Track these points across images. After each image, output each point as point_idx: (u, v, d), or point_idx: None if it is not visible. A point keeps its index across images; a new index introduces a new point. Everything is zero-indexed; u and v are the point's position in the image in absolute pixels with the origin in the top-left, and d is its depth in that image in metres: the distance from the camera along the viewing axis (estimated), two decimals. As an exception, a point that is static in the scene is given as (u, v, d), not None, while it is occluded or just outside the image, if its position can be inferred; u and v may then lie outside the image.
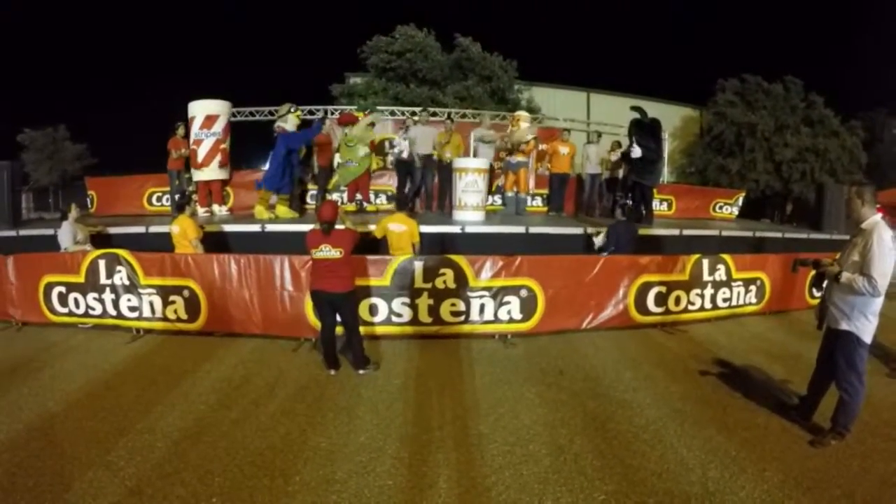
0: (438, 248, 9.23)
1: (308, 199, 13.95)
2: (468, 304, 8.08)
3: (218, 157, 12.77)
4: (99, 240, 9.90)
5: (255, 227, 10.25)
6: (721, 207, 18.07)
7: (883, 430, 5.59)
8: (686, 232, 12.38)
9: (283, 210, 11.49)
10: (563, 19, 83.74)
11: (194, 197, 10.83)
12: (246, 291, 7.94)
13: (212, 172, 12.80)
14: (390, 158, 14.49)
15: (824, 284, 5.44)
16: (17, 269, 8.58)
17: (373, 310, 7.94)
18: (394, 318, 8.00)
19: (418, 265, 7.93)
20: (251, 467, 4.53)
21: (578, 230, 11.17)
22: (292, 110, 11.51)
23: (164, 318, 8.10)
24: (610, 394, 6.30)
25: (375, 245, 9.02)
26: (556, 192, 14.35)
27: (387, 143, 15.13)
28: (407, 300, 7.95)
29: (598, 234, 10.30)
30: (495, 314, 8.18)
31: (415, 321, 8.02)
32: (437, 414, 5.65)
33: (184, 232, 8.54)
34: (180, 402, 5.81)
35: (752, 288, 9.99)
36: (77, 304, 8.33)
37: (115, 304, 8.16)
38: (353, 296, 6.88)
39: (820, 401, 5.59)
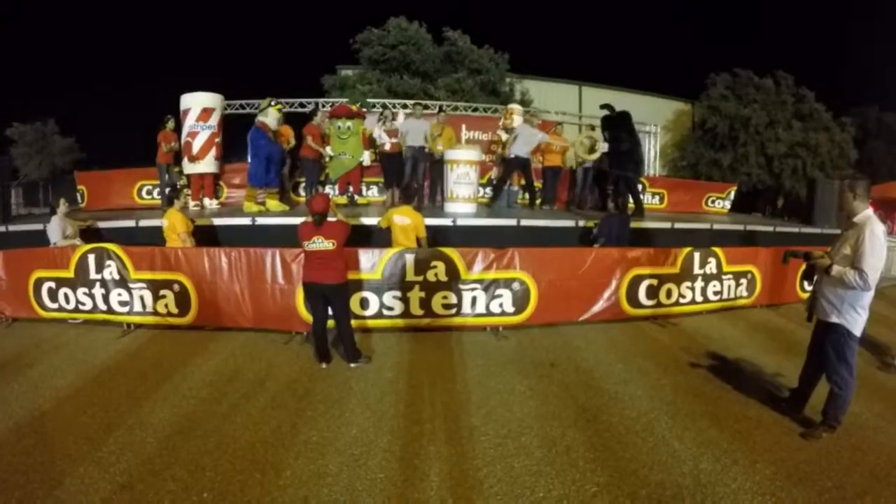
0: (430, 240, 9.20)
1: (300, 192, 13.93)
2: (460, 297, 8.07)
3: (213, 151, 12.74)
4: (89, 234, 9.83)
5: (246, 221, 10.20)
6: (713, 202, 18.09)
7: (874, 422, 5.63)
8: (678, 225, 12.43)
9: (273, 203, 11.42)
10: (555, 12, 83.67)
11: (186, 190, 10.77)
12: (237, 285, 7.90)
13: (206, 165, 12.76)
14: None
15: (815, 277, 5.46)
16: (6, 265, 8.53)
17: (364, 303, 7.92)
18: (385, 312, 7.98)
19: (409, 258, 7.91)
20: (242, 461, 4.51)
21: (570, 223, 11.20)
22: (273, 104, 11.40)
23: (155, 313, 8.06)
24: (601, 386, 6.31)
25: (368, 237, 9.01)
26: (549, 185, 14.33)
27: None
28: (398, 293, 7.93)
29: (595, 226, 10.33)
30: (487, 307, 8.18)
31: (406, 314, 8.00)
32: (429, 407, 5.64)
33: (173, 225, 8.51)
34: (171, 397, 5.79)
35: (743, 281, 10.03)
36: (67, 300, 8.28)
37: (106, 298, 8.11)
38: (344, 288, 6.85)
39: (811, 393, 5.62)
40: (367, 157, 13.24)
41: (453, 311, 8.10)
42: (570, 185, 14.77)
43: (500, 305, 8.22)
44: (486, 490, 4.18)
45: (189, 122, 12.50)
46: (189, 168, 12.73)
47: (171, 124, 12.86)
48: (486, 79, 27.53)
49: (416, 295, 7.95)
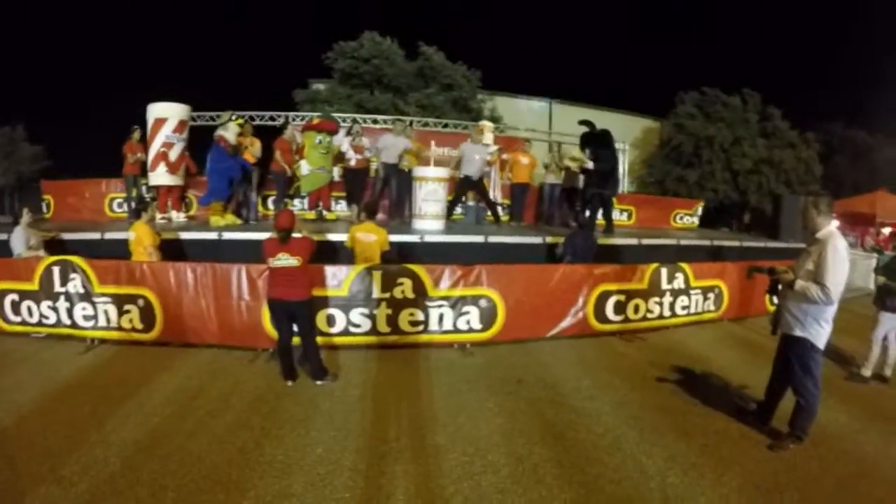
0: (397, 256, 9.18)
1: (269, 205, 13.86)
2: (427, 314, 8.07)
3: (184, 164, 12.64)
4: (53, 245, 9.68)
5: (212, 235, 10.12)
6: (681, 217, 18.31)
7: (840, 431, 5.77)
8: (645, 241, 12.51)
9: (230, 217, 11.35)
10: (526, 30, 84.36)
11: (152, 203, 10.66)
12: (202, 300, 7.82)
13: (178, 178, 12.62)
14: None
15: (779, 290, 5.54)
16: (-33, 277, 8.36)
17: (330, 320, 7.88)
18: (352, 329, 7.95)
19: (376, 274, 7.90)
20: (206, 481, 4.45)
21: (538, 239, 11.22)
22: (233, 118, 11.29)
23: (120, 328, 7.94)
24: (569, 402, 6.33)
25: (335, 254, 8.97)
26: (517, 201, 14.39)
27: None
28: (365, 310, 7.90)
29: (558, 242, 10.38)
30: (454, 324, 8.18)
31: (373, 331, 7.98)
32: (395, 425, 5.62)
33: (139, 239, 8.40)
34: (135, 414, 5.70)
35: (711, 295, 10.17)
36: (31, 313, 8.14)
37: (70, 312, 7.98)
38: (309, 304, 6.83)
39: (777, 405, 5.72)
40: (336, 173, 13.19)
41: (420, 327, 8.09)
42: (537, 201, 14.82)
43: (468, 322, 8.23)
44: (452, 509, 4.17)
45: (165, 133, 12.26)
46: (157, 179, 12.54)
47: (136, 135, 12.67)
48: (457, 95, 27.63)
49: (382, 312, 7.92)
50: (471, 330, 8.27)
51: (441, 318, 8.14)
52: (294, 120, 16.89)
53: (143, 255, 8.36)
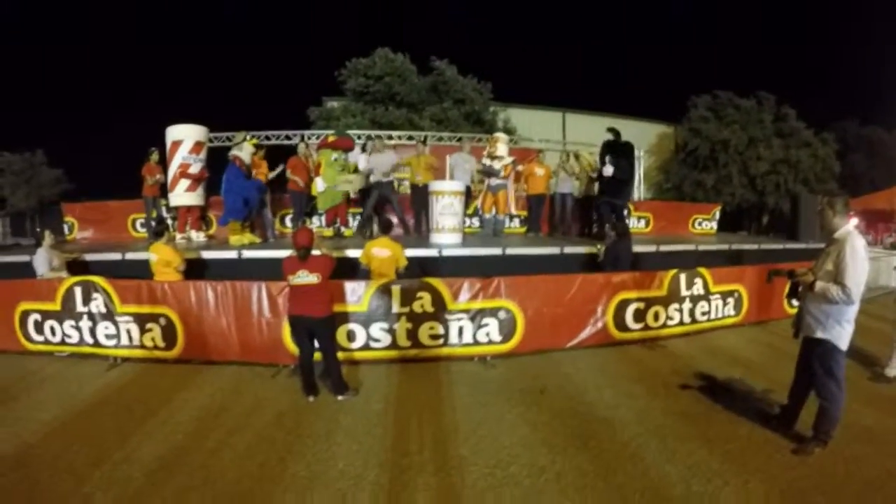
0: (416, 271, 9.20)
1: (287, 223, 13.91)
2: (447, 327, 8.06)
3: (202, 184, 12.71)
4: (76, 267, 9.80)
5: (232, 254, 10.18)
6: (700, 223, 18.19)
7: (865, 434, 5.67)
8: (663, 248, 12.47)
9: (248, 236, 11.39)
10: (537, 42, 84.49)
11: (172, 224, 10.70)
12: (223, 318, 7.88)
13: (198, 198, 12.70)
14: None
15: (799, 293, 5.51)
16: (-8, 297, 8.47)
17: (350, 335, 7.90)
18: (372, 344, 7.96)
19: (395, 289, 7.91)
20: (228, 497, 4.48)
21: (556, 250, 11.21)
22: (248, 138, 11.33)
23: (142, 346, 8.01)
24: (591, 412, 6.30)
25: (353, 270, 9.00)
26: (534, 212, 14.40)
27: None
28: (385, 325, 7.92)
29: (600, 252, 10.48)
30: (474, 336, 8.17)
31: (393, 345, 7.99)
32: (417, 438, 5.62)
33: (164, 259, 8.49)
34: (157, 432, 5.74)
35: (730, 300, 10.07)
36: (53, 332, 8.24)
37: (93, 331, 8.08)
38: (330, 321, 6.86)
39: (801, 409, 5.65)
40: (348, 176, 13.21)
41: (440, 341, 8.08)
42: (549, 212, 14.79)
43: (487, 334, 8.21)
44: (475, 521, 4.17)
45: (182, 154, 12.35)
46: (177, 200, 12.65)
47: (155, 156, 12.84)
48: (470, 108, 27.70)
49: (402, 326, 7.93)
50: (491, 342, 8.25)
51: (461, 330, 8.13)
52: (310, 139, 16.98)
53: (168, 275, 8.46)
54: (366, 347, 7.97)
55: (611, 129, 12.81)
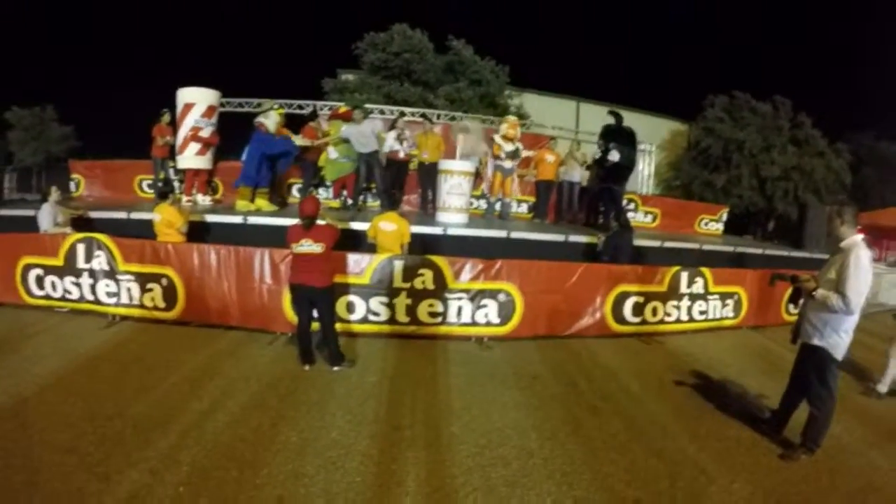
0: (420, 248, 9.21)
1: (294, 192, 13.90)
2: (446, 306, 8.10)
3: (212, 148, 12.68)
4: (80, 223, 9.79)
5: (237, 219, 10.18)
6: (706, 223, 18.13)
7: (854, 446, 5.70)
8: (667, 244, 12.46)
9: (262, 203, 11.33)
10: (557, 28, 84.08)
11: (179, 186, 10.67)
12: (224, 282, 7.91)
13: (206, 161, 12.66)
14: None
15: (801, 300, 5.52)
16: (-5, 249, 8.50)
17: (350, 307, 7.93)
18: (371, 317, 8.00)
19: (398, 264, 7.94)
20: (220, 458, 4.52)
21: (560, 237, 11.23)
22: (275, 107, 11.29)
23: (142, 306, 8.05)
24: (583, 400, 6.34)
25: (358, 242, 9.01)
26: (542, 198, 14.39)
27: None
28: (385, 299, 7.95)
29: (601, 242, 10.52)
30: (473, 317, 8.20)
31: (392, 320, 8.02)
32: (409, 413, 5.66)
33: (167, 220, 8.48)
34: (152, 391, 5.79)
35: (730, 302, 10.09)
36: (54, 287, 8.27)
37: (93, 288, 8.11)
38: (331, 291, 6.90)
39: (791, 415, 5.69)
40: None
41: (439, 319, 8.11)
42: (557, 199, 14.76)
43: (486, 316, 8.24)
44: (461, 499, 4.20)
45: (194, 117, 12.28)
46: (185, 163, 12.62)
47: (166, 118, 12.77)
48: (485, 90, 27.61)
49: (402, 301, 7.96)
50: (489, 324, 8.28)
51: (460, 310, 8.16)
52: (321, 109, 16.94)
53: (170, 236, 8.46)
54: (364, 320, 8.01)
55: (612, 113, 12.72)
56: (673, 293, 9.31)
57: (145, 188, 14.33)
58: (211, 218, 10.21)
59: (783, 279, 5.87)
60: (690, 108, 35.25)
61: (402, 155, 12.79)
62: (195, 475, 4.24)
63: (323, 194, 13.63)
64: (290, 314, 7.55)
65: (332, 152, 12.41)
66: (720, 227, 18.38)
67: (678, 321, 9.51)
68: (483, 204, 14.39)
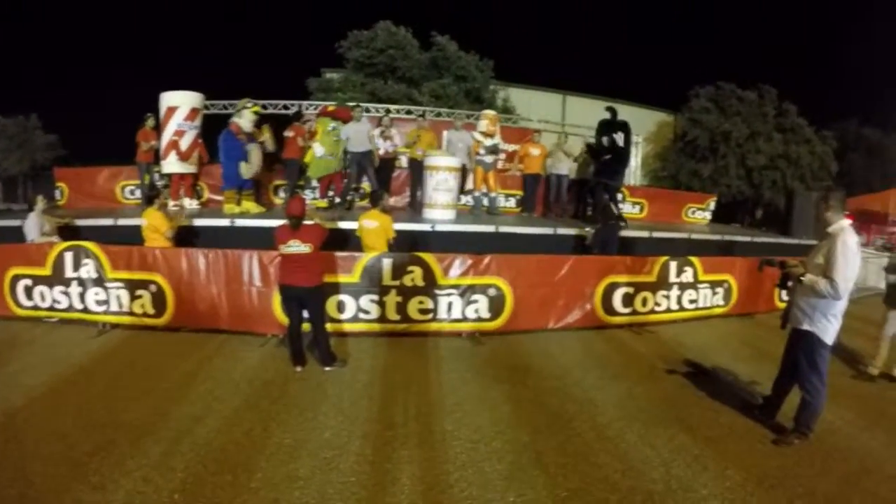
0: (408, 245, 9.20)
1: (280, 194, 13.85)
2: (436, 302, 8.11)
3: (197, 151, 12.61)
4: (67, 232, 9.72)
5: (224, 222, 10.17)
6: (693, 212, 18.19)
7: (846, 429, 5.74)
8: (656, 234, 12.53)
9: (249, 205, 11.28)
10: (541, 21, 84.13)
11: (165, 191, 10.63)
12: (213, 286, 7.90)
13: (190, 166, 12.59)
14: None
15: (789, 285, 5.55)
16: (-18, 261, 8.42)
17: (340, 306, 7.93)
18: (361, 316, 8.00)
19: (387, 262, 7.94)
20: (213, 463, 4.51)
21: (548, 230, 11.25)
22: (248, 105, 11.19)
23: (131, 313, 8.02)
24: (575, 392, 6.35)
25: (347, 241, 9.00)
26: (529, 192, 14.41)
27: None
28: (375, 297, 7.95)
29: (588, 235, 10.57)
30: (463, 312, 8.22)
31: (382, 318, 8.02)
32: (402, 411, 5.66)
33: (153, 225, 8.43)
34: (144, 398, 5.76)
35: (719, 290, 10.13)
36: (43, 298, 8.22)
37: (82, 297, 8.07)
38: (320, 291, 6.90)
39: (783, 401, 5.71)
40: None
41: (429, 316, 8.12)
42: (544, 192, 14.76)
43: (476, 311, 8.26)
44: (456, 494, 4.20)
45: (177, 121, 12.21)
46: (170, 167, 12.55)
47: (150, 122, 12.65)
48: (470, 85, 27.59)
49: (392, 299, 7.97)
50: (479, 319, 8.30)
51: (450, 306, 8.17)
52: (307, 108, 16.91)
53: (161, 241, 8.42)
54: (355, 319, 8.01)
55: (608, 108, 12.81)
56: (662, 283, 9.34)
57: (128, 194, 14.23)
58: (198, 222, 10.21)
59: (772, 265, 5.88)
60: (676, 99, 35.40)
61: (382, 152, 12.77)
62: (189, 481, 4.23)
63: (310, 195, 13.56)
64: (281, 316, 7.53)
65: (318, 149, 12.33)
66: (707, 216, 18.43)
67: (668, 310, 9.54)
68: (470, 200, 14.38)
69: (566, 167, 14.27)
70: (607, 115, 12.69)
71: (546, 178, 14.44)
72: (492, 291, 8.26)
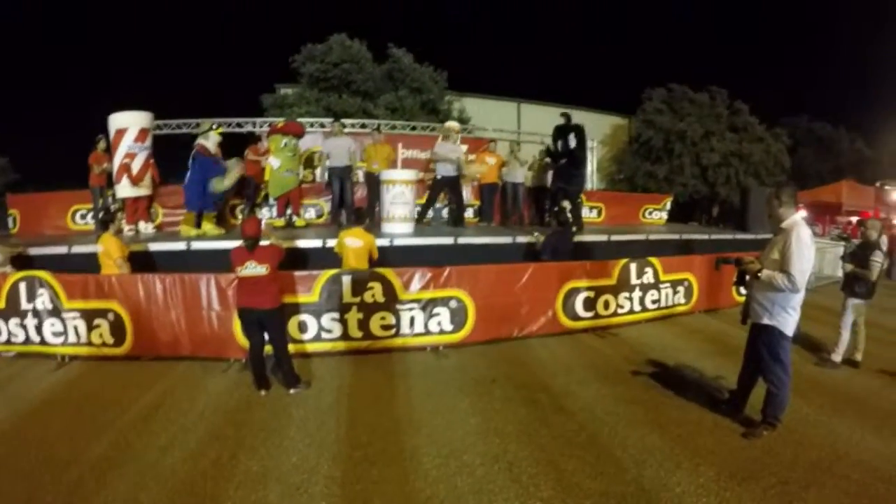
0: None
1: (237, 214, 13.73)
2: (398, 318, 8.09)
3: (149, 173, 12.40)
4: (20, 261, 9.51)
5: (181, 245, 10.02)
6: (651, 213, 18.39)
7: (814, 417, 5.88)
8: (614, 238, 12.62)
9: (209, 227, 11.19)
10: (494, 31, 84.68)
11: (119, 214, 10.47)
12: (172, 312, 7.76)
13: (144, 189, 12.33)
14: (318, 171, 14.33)
15: (746, 280, 5.63)
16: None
17: (302, 326, 7.86)
18: (323, 335, 7.94)
19: (346, 279, 7.90)
20: (181, 495, 4.42)
21: (507, 239, 11.28)
22: (214, 128, 11.14)
23: (90, 343, 7.83)
24: (542, 400, 6.38)
25: (305, 260, 8.95)
26: (486, 201, 14.45)
27: (315, 156, 14.99)
28: (336, 315, 7.89)
29: (538, 240, 10.53)
30: (426, 326, 8.22)
31: (345, 336, 7.97)
32: (370, 430, 5.62)
33: (107, 251, 8.29)
34: (107, 431, 5.63)
35: (680, 289, 10.29)
36: (-1, 332, 8.02)
37: (39, 329, 7.84)
38: (280, 312, 6.83)
39: (749, 394, 5.82)
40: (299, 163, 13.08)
41: (392, 331, 8.10)
42: (501, 201, 14.82)
43: (439, 324, 8.27)
44: (428, 511, 4.18)
45: (127, 143, 11.86)
46: (123, 191, 12.30)
47: (102, 145, 12.39)
48: (426, 97, 27.60)
49: (353, 317, 7.92)
50: (442, 332, 8.31)
51: (412, 320, 8.16)
52: (261, 126, 16.81)
53: (113, 268, 8.24)
54: (317, 339, 7.95)
55: (563, 114, 12.96)
56: (623, 285, 9.45)
57: (78, 220, 13.94)
58: (154, 246, 10.02)
59: (728, 262, 5.97)
60: (629, 103, 35.73)
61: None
62: (157, 515, 4.15)
63: (267, 214, 13.46)
64: (242, 339, 7.40)
65: (273, 161, 12.22)
66: (664, 215, 18.65)
67: (631, 312, 9.65)
68: (430, 212, 14.35)
69: (521, 175, 14.37)
70: (562, 121, 12.79)
71: (502, 186, 14.49)
72: (453, 304, 8.27)
